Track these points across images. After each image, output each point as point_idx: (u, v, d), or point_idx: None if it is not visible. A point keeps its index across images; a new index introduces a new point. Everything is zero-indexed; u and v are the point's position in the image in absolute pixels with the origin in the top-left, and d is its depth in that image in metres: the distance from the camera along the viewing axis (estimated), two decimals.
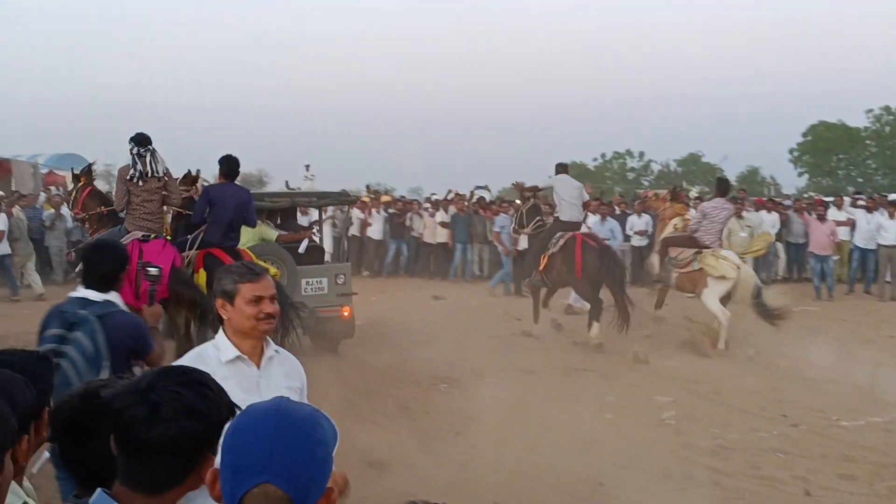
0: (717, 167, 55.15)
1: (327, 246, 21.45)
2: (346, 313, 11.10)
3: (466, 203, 21.54)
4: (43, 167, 28.41)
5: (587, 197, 13.73)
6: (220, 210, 8.99)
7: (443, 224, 21.16)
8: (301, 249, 11.14)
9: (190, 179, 10.05)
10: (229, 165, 9.35)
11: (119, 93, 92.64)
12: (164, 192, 8.55)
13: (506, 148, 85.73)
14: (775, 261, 20.11)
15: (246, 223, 9.33)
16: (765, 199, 23.87)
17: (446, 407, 8.73)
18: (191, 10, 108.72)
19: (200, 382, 1.86)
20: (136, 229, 8.31)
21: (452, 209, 21.30)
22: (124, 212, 8.53)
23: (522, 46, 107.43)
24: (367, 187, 31.44)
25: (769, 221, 19.32)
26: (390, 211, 22.42)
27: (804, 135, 55.07)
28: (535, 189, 13.81)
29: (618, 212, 19.82)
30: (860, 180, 51.32)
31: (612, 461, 7.05)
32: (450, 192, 22.95)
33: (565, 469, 6.85)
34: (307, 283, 10.90)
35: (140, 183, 8.40)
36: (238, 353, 3.22)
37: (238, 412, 1.80)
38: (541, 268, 12.68)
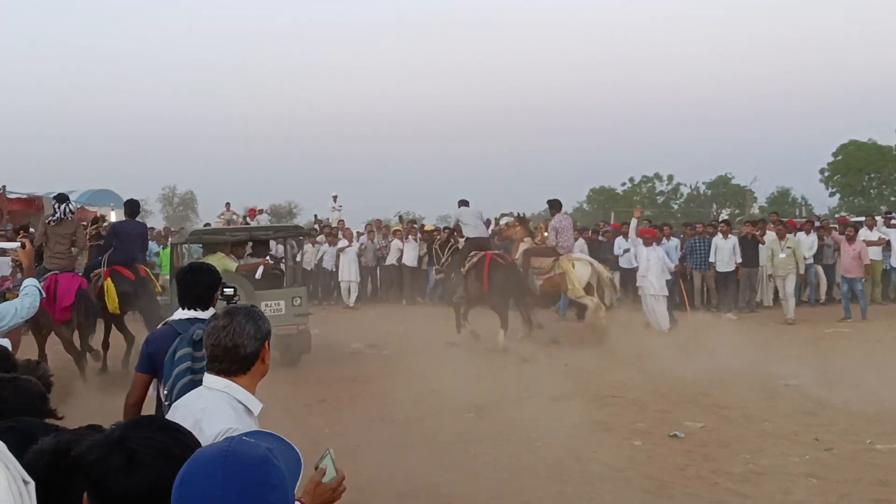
0: (746, 189, 54.83)
1: (353, 275, 21.61)
2: (301, 330, 12.70)
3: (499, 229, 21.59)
4: (75, 203, 28.74)
5: (485, 218, 16.61)
6: (124, 239, 12.39)
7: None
8: (257, 276, 13.14)
9: (97, 219, 14.28)
10: (131, 207, 13.07)
11: (151, 126, 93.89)
12: (73, 238, 11.54)
13: (534, 174, 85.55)
14: (816, 283, 19.89)
15: (143, 249, 12.98)
16: (801, 220, 23.61)
17: (475, 436, 8.68)
18: (219, 46, 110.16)
19: (172, 428, 1.84)
20: (51, 266, 11.25)
21: None
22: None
23: (550, 72, 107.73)
24: (400, 217, 31.58)
25: (807, 243, 19.16)
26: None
27: (835, 154, 54.75)
28: (452, 231, 16.11)
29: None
30: (893, 199, 50.81)
31: (641, 489, 6.97)
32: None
33: (595, 498, 6.79)
34: (266, 304, 12.12)
35: (54, 227, 11.52)
36: (261, 404, 3.08)
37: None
38: (464, 284, 14.57)
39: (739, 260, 18.54)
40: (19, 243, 5.91)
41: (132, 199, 13.29)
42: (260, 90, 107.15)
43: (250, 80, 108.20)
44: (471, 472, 7.44)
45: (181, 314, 4.60)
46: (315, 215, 27.76)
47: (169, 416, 2.95)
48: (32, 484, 1.28)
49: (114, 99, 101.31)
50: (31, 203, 22.73)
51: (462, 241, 15.19)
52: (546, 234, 15.83)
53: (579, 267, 14.84)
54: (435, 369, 11.81)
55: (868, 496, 6.72)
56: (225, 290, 4.85)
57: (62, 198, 11.86)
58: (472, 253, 14.56)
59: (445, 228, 18.16)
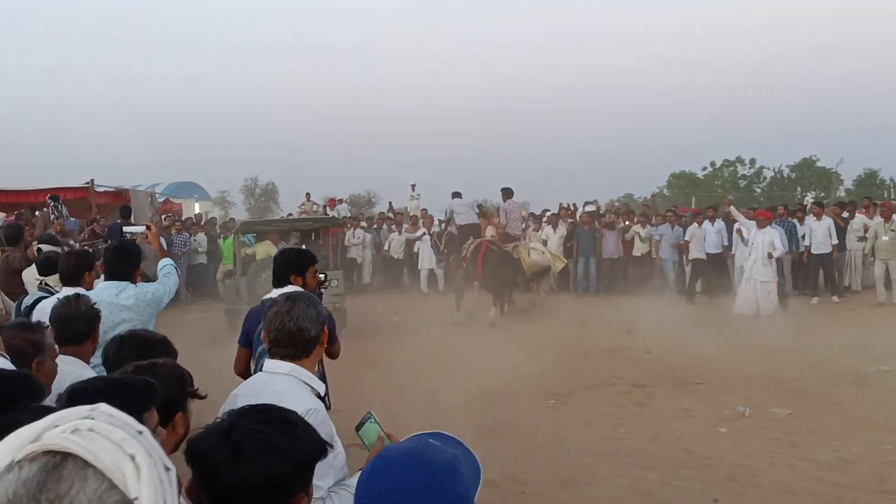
0: (832, 171, 53.37)
1: (430, 263, 21.65)
2: (337, 308, 13.63)
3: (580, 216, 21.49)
4: (160, 196, 29.34)
5: (478, 209, 18.00)
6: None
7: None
8: None
9: (93, 220, 15.80)
10: (125, 211, 15.25)
11: (234, 118, 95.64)
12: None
13: (614, 159, 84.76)
14: None
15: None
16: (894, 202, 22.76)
17: (554, 423, 8.64)
18: (299, 34, 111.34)
19: (284, 419, 1.80)
20: None
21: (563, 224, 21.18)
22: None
23: (627, 54, 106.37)
24: (479, 205, 31.51)
25: None
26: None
27: None
28: (447, 223, 18.69)
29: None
30: None
31: (726, 476, 6.86)
32: (561, 206, 22.74)
33: (678, 485, 6.70)
34: None
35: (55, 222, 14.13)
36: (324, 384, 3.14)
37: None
38: (462, 268, 16.04)
39: (836, 241, 17.93)
40: (145, 227, 6.42)
41: (126, 205, 15.90)
42: (342, 79, 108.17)
43: (331, 68, 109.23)
44: (551, 460, 7.41)
45: (275, 293, 4.78)
46: (390, 203, 27.79)
47: (228, 405, 2.96)
48: (174, 470, 1.30)
49: (197, 91, 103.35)
50: (119, 196, 23.22)
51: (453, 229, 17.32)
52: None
53: (534, 255, 16.61)
54: (515, 355, 11.79)
55: None
56: (319, 275, 5.20)
57: (56, 197, 14.38)
58: (469, 241, 16.22)
59: (441, 221, 20.94)
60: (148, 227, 6.25)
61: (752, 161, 58.86)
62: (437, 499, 1.53)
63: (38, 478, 1.10)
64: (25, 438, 1.15)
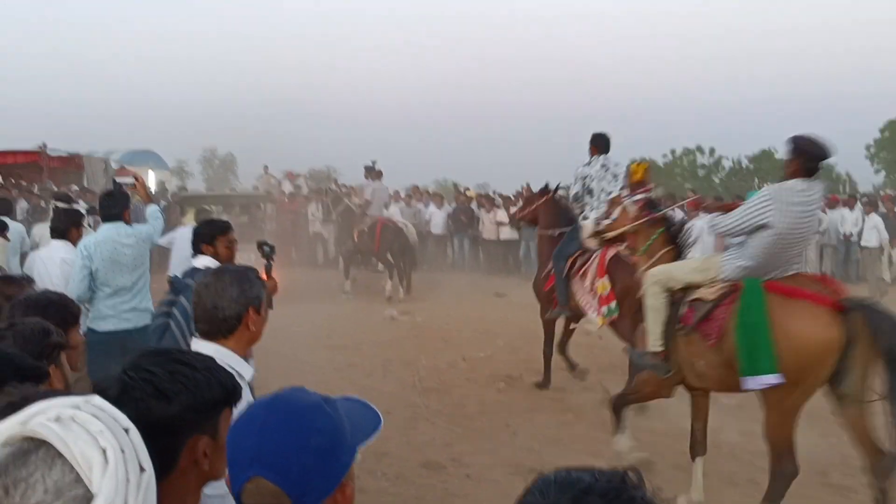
0: None
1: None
2: None
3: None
4: (115, 163, 28.77)
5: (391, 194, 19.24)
6: None
7: (500, 223, 20.87)
8: None
9: None
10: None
11: (194, 89, 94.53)
12: None
13: (574, 144, 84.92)
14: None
15: None
16: (843, 196, 22.99)
17: (504, 407, 8.57)
18: (265, 18, 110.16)
19: (179, 362, 1.78)
20: None
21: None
22: None
23: (593, 43, 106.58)
24: (456, 186, 31.42)
25: (850, 219, 18.63)
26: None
27: (881, 130, 53.67)
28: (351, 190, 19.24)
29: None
30: None
31: (678, 453, 6.83)
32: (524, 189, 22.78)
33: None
34: None
35: None
36: (252, 369, 2.95)
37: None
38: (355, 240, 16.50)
39: None
40: (133, 178, 7.87)
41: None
42: (302, 58, 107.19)
43: (293, 47, 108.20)
44: (498, 444, 7.34)
45: (195, 262, 4.95)
46: (335, 179, 27.43)
47: None
48: (150, 472, 1.24)
49: (158, 61, 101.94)
50: (71, 161, 22.75)
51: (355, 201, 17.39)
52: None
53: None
54: (468, 338, 11.73)
55: None
56: (264, 247, 5.27)
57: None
58: (367, 218, 16.51)
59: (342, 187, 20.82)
60: (136, 178, 7.24)
61: (712, 150, 59.34)
62: (288, 434, 1.53)
63: (3, 461, 1.14)
64: (16, 421, 1.18)
